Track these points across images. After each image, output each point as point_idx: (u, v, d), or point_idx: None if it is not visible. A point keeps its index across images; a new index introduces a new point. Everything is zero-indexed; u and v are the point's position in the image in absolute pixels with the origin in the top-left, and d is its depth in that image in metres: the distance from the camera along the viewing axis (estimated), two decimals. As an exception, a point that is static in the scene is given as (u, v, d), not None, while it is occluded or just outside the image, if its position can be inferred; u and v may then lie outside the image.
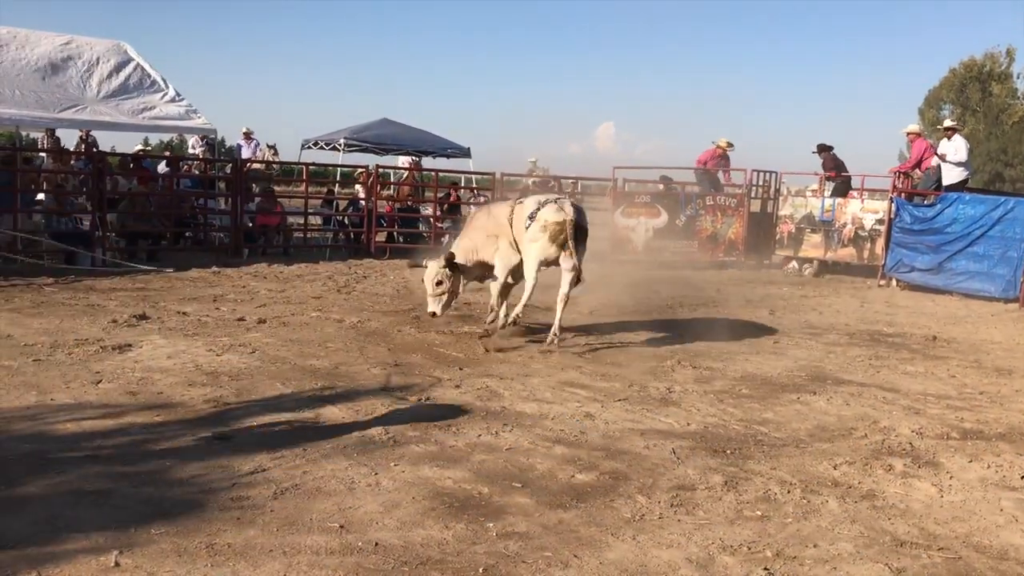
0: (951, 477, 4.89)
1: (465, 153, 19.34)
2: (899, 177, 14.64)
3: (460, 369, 6.87)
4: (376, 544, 3.63)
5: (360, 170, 17.50)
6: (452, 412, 5.65)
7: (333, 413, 5.48)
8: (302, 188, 16.65)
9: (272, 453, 4.67)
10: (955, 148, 14.16)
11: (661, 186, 17.57)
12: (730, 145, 16.73)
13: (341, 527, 3.78)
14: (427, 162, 19.19)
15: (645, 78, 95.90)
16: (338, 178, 19.41)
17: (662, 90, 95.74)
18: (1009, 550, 3.94)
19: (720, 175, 16.81)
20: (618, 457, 4.93)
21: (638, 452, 5.03)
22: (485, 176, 17.49)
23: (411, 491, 4.25)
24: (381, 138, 18.70)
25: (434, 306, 7.99)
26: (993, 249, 12.84)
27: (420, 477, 4.44)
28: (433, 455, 4.80)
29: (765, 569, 3.58)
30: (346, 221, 16.72)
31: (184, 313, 8.72)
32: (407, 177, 17.58)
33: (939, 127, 15.66)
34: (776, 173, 16.65)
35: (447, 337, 8.15)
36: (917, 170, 14.66)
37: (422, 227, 17.04)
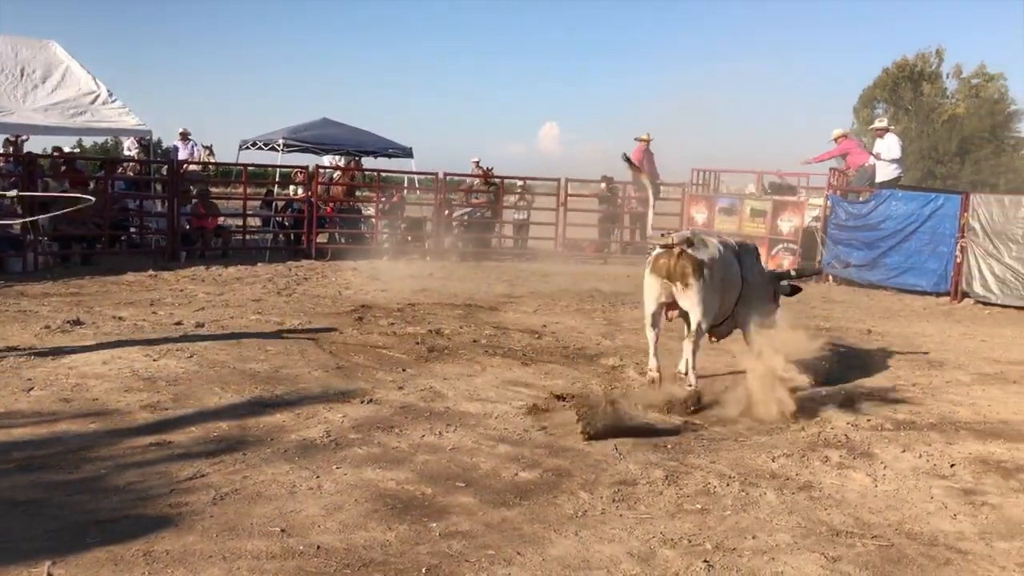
0: (885, 467, 5.01)
1: (407, 153, 19.24)
2: (835, 175, 14.95)
3: (403, 371, 6.85)
4: (318, 547, 3.60)
5: (297, 170, 17.30)
6: (396, 413, 5.63)
7: (274, 417, 5.42)
8: (240, 190, 16.42)
9: (211, 458, 4.60)
10: (888, 147, 14.56)
11: (603, 185, 17.72)
12: (649, 139, 16.98)
13: (282, 531, 3.75)
14: (368, 162, 19.06)
15: (589, 78, 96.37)
16: (277, 179, 19.17)
17: (605, 91, 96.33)
18: (939, 536, 4.06)
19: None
20: (561, 454, 4.96)
21: (581, 449, 5.07)
22: (428, 176, 17.44)
23: (353, 493, 4.22)
24: (321, 138, 18.51)
25: None
26: (924, 245, 13.19)
27: (362, 479, 4.42)
28: (376, 457, 4.78)
29: (705, 561, 3.64)
30: (286, 223, 16.53)
31: (120, 318, 8.54)
32: (343, 176, 17.37)
33: (871, 127, 16.05)
34: (715, 172, 16.90)
35: (390, 339, 8.11)
36: (851, 169, 14.98)
37: (364, 228, 16.91)
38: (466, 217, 17.22)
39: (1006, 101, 47.59)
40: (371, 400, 5.91)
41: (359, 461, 4.70)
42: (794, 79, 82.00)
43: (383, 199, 16.68)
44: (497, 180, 17.66)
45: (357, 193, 17.35)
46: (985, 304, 12.34)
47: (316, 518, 3.91)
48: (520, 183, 18.52)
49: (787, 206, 14.95)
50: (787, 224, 14.85)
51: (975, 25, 67.67)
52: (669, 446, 5.22)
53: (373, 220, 16.52)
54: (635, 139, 17.20)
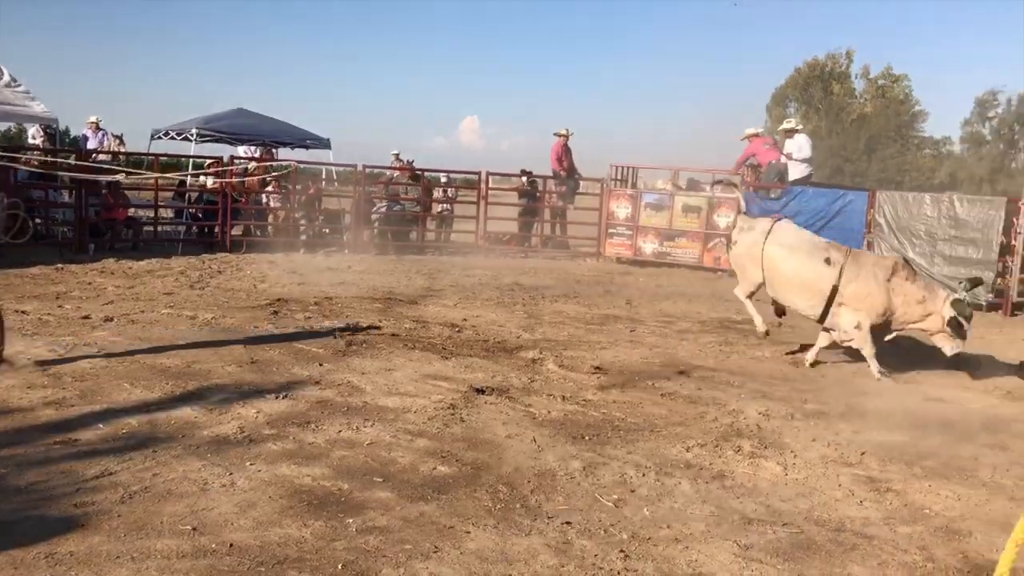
0: (795, 456, 5.15)
1: (325, 144, 18.98)
2: (748, 172, 15.28)
3: (320, 365, 6.75)
4: (231, 545, 3.53)
5: (208, 161, 16.88)
6: (312, 408, 5.55)
7: (185, 413, 5.29)
8: (152, 180, 15.94)
9: (119, 456, 4.46)
10: (799, 145, 14.99)
11: (523, 179, 17.79)
12: (569, 134, 17.12)
13: (194, 529, 3.66)
14: (285, 153, 18.73)
15: (508, 72, 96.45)
16: (191, 169, 18.68)
17: (525, 85, 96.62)
18: (846, 522, 4.19)
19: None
20: (480, 448, 4.96)
21: (500, 442, 5.08)
22: (347, 168, 17.23)
23: (268, 490, 4.14)
24: (236, 128, 18.12)
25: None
26: (834, 239, 13.53)
27: (277, 476, 4.34)
28: (291, 453, 4.70)
29: (621, 551, 3.68)
30: (200, 215, 16.12)
31: (23, 312, 8.21)
32: (255, 167, 16.99)
33: (780, 127, 16.45)
34: (634, 168, 17.10)
35: (307, 332, 7.99)
36: (762, 166, 15.32)
37: (280, 220, 16.59)
38: (384, 209, 17.07)
39: (910, 101, 49.40)
40: (286, 395, 5.81)
41: (274, 457, 4.62)
42: (711, 77, 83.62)
43: (299, 191, 16.41)
44: (419, 172, 17.56)
45: (270, 185, 16.98)
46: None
47: (229, 516, 3.82)
48: (443, 176, 18.45)
49: (723, 203, 15.22)
50: (724, 220, 15.12)
51: (883, 27, 70.06)
52: (587, 437, 5.26)
53: (290, 212, 16.23)
54: (555, 134, 17.30)
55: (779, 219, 8.43)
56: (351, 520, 3.84)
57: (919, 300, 7.37)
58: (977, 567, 3.75)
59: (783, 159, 14.99)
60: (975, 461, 5.19)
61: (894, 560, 3.79)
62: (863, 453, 5.24)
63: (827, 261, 7.68)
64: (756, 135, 15.55)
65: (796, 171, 14.82)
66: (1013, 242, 12.04)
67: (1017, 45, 69.92)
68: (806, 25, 75.95)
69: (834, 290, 7.57)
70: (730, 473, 4.80)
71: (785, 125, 15.93)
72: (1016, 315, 12.00)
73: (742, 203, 9.74)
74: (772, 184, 14.81)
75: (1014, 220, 12.10)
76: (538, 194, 17.79)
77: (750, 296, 8.48)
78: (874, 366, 7.47)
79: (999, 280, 12.22)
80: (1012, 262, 12.09)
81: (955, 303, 7.24)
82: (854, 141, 47.23)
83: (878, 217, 13.15)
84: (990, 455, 5.35)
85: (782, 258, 7.95)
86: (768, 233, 8.10)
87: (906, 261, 7.76)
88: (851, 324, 7.52)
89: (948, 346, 7.35)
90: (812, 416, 6.06)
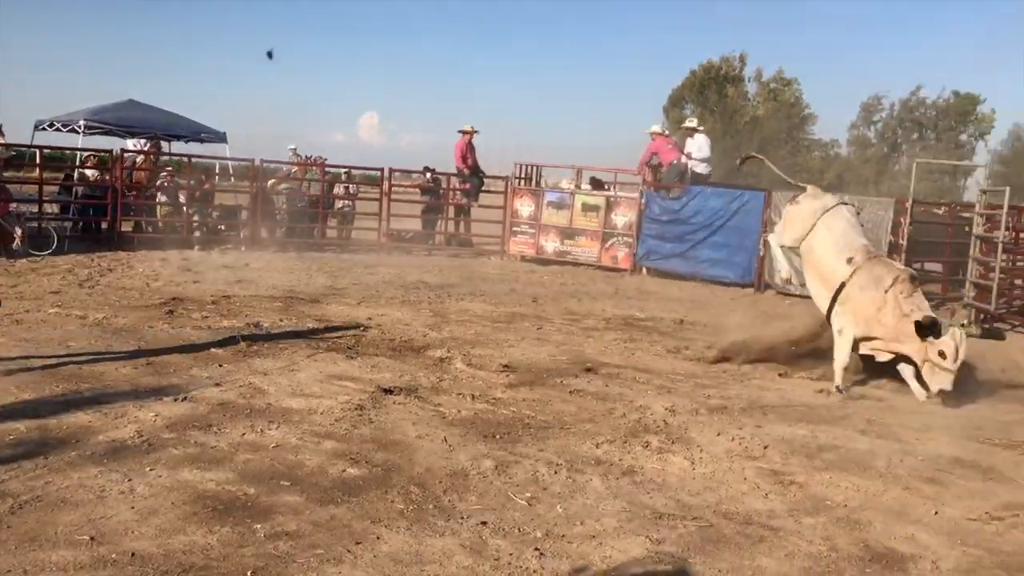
0: (701, 451, 5.24)
1: (221, 138, 18.43)
2: (649, 171, 15.52)
3: (221, 366, 6.54)
4: (132, 555, 3.37)
5: (87, 153, 16.17)
6: (213, 411, 5.36)
7: (79, 417, 5.04)
8: (36, 174, 15.20)
9: (8, 464, 4.22)
10: (698, 146, 15.32)
11: (428, 175, 17.68)
12: (473, 131, 17.11)
13: (92, 539, 3.48)
14: (179, 147, 18.12)
15: (407, 68, 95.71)
16: (78, 163, 17.90)
17: (426, 81, 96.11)
18: (753, 515, 4.28)
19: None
20: (390, 448, 4.89)
21: (410, 443, 5.01)
22: (243, 163, 16.79)
23: (170, 496, 3.98)
24: (126, 120, 17.40)
25: None
26: (732, 238, 13.96)
27: (179, 481, 4.18)
28: (193, 457, 4.53)
29: (536, 549, 3.67)
30: (91, 211, 15.43)
31: None
32: (143, 161, 16.37)
33: (682, 126, 16.78)
34: (538, 167, 17.18)
35: (205, 333, 7.74)
36: (664, 166, 15.59)
37: (172, 216, 16.03)
38: (284, 204, 16.70)
39: (801, 105, 51.19)
40: (186, 398, 5.60)
41: (175, 462, 4.44)
42: (611, 78, 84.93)
43: (193, 185, 15.90)
44: (318, 167, 17.25)
45: (162, 180, 16.38)
46: (786, 295, 13.18)
47: (129, 524, 3.65)
48: (343, 171, 18.16)
49: (621, 202, 15.41)
50: (622, 218, 15.30)
51: (774, 31, 72.47)
52: (498, 436, 5.24)
53: (183, 208, 15.72)
54: (459, 131, 17.22)
55: (844, 201, 8.28)
56: (259, 525, 3.72)
57: (905, 314, 6.89)
58: (878, 555, 3.88)
59: (683, 159, 15.29)
60: (871, 453, 5.38)
61: (800, 551, 3.89)
62: (766, 447, 5.37)
63: (849, 260, 7.47)
64: (660, 134, 15.81)
65: (696, 170, 15.16)
66: (900, 240, 12.56)
67: (899, 52, 73.28)
68: (702, 26, 77.84)
69: (841, 287, 7.40)
70: (640, 468, 4.86)
71: (687, 124, 16.24)
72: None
73: (811, 188, 8.78)
74: (673, 183, 15.09)
75: (900, 220, 12.64)
76: (441, 191, 17.70)
77: (780, 247, 8.61)
78: (837, 377, 7.18)
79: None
80: (899, 260, 12.62)
81: (948, 329, 6.74)
82: (748, 143, 48.56)
83: (774, 217, 13.53)
84: (884, 446, 5.55)
85: (820, 239, 7.84)
86: (827, 211, 7.96)
87: (913, 276, 7.29)
88: (836, 327, 7.38)
89: (933, 380, 6.72)
90: (716, 411, 6.19)
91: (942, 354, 6.62)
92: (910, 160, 34.37)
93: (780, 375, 7.64)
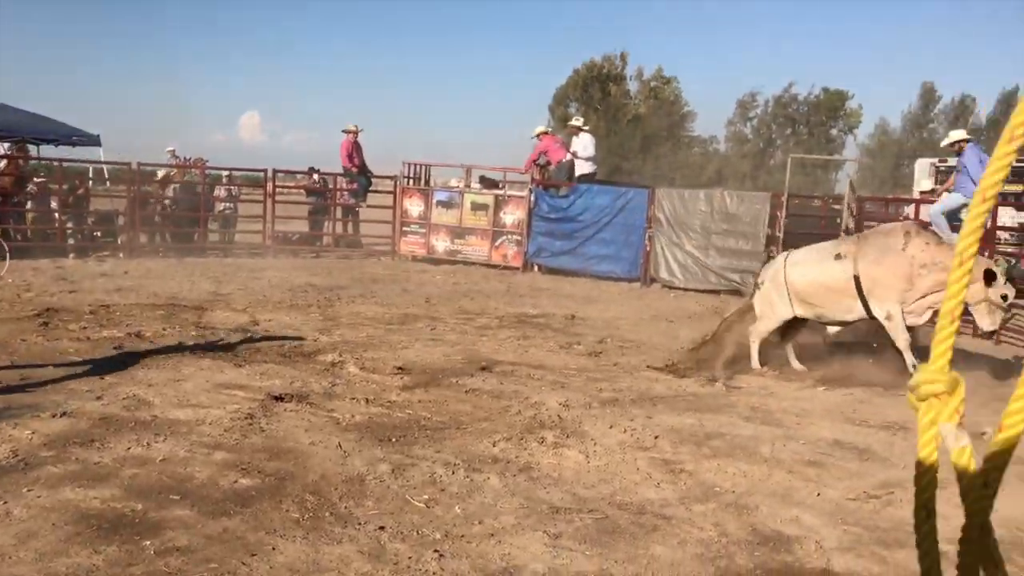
0: (595, 443, 5.33)
1: (94, 141, 17.70)
2: (537, 170, 15.68)
3: (101, 378, 6.28)
4: (10, 582, 3.21)
5: None
6: (95, 426, 5.14)
7: (-54, 439, 4.76)
8: None
9: None
10: (584, 145, 15.57)
11: (314, 176, 17.41)
12: (358, 130, 16.95)
13: (-36, 569, 3.30)
14: (48, 151, 17.30)
15: (287, 66, 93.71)
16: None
17: (308, 81, 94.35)
18: (646, 504, 4.38)
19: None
20: (283, 457, 4.79)
21: (304, 450, 4.92)
22: (119, 167, 16.15)
23: (50, 517, 3.80)
24: (-10, 123, 16.52)
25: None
26: (618, 235, 14.25)
27: (60, 501, 3.99)
28: (75, 475, 4.34)
29: (435, 551, 3.67)
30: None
31: None
32: (8, 166, 15.56)
33: (568, 124, 17.00)
34: (427, 166, 17.14)
35: (83, 344, 7.42)
36: (552, 165, 15.77)
37: (43, 222, 15.32)
38: (166, 206, 16.16)
39: (681, 102, 52.57)
40: (64, 413, 5.35)
41: (55, 481, 4.24)
42: (497, 77, 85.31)
43: (65, 191, 15.20)
44: (198, 169, 16.76)
45: (31, 188, 15.60)
46: (671, 288, 13.56)
47: (6, 548, 3.47)
48: (225, 173, 17.70)
49: (510, 200, 15.48)
50: (511, 217, 15.37)
51: (654, 31, 74.20)
52: (394, 439, 5.21)
53: (56, 214, 15.02)
54: (342, 131, 17.00)
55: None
56: (148, 542, 3.59)
57: (937, 263, 6.90)
58: (765, 538, 4.03)
59: (568, 156, 15.51)
60: (755, 439, 5.59)
61: (691, 537, 4.00)
62: (656, 437, 5.50)
63: (838, 256, 7.42)
64: (547, 133, 15.98)
65: (582, 169, 15.40)
66: (777, 233, 13.06)
67: (774, 49, 76.16)
68: (584, 26, 79.07)
69: (857, 281, 7.25)
70: (536, 465, 4.91)
71: (573, 123, 16.47)
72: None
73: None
74: (561, 182, 15.28)
75: (777, 213, 13.15)
76: (328, 192, 17.45)
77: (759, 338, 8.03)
78: (908, 362, 7.09)
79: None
80: (776, 252, 13.12)
81: (1007, 271, 6.85)
82: (630, 140, 49.69)
83: (658, 213, 13.89)
84: (767, 432, 5.77)
85: (800, 275, 7.65)
86: (784, 264, 7.84)
87: (920, 225, 7.24)
88: (883, 315, 7.19)
89: (987, 320, 6.99)
90: (608, 404, 6.31)
91: (1004, 296, 6.86)
92: (784, 155, 35.76)
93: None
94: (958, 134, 10.79)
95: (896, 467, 5.09)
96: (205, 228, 16.59)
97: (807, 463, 5.15)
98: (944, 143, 11.16)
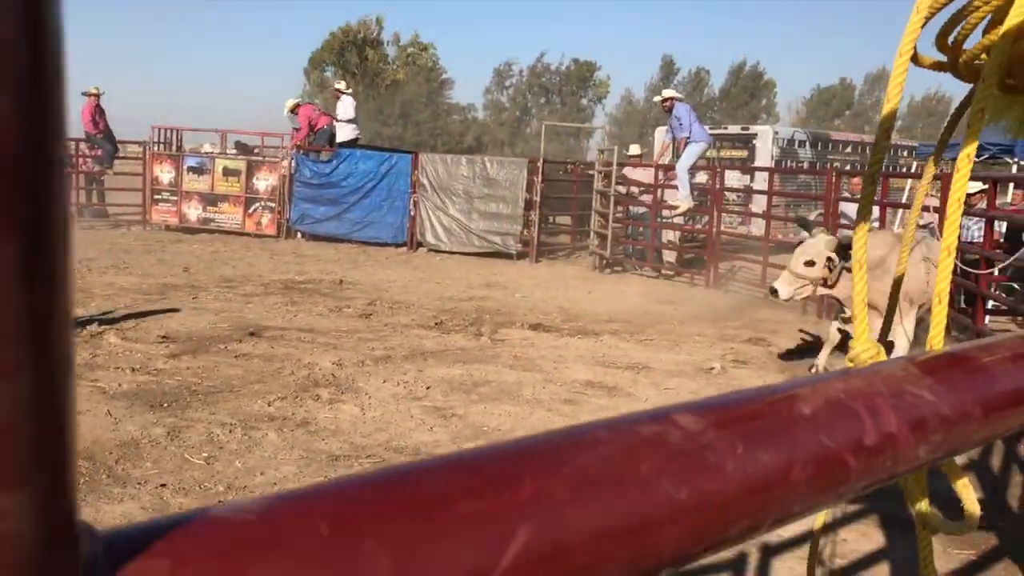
0: (370, 397, 5.57)
1: None
2: (305, 141, 15.39)
3: None
4: None
5: None
6: None
7: None
8: None
9: None
10: (344, 108, 15.51)
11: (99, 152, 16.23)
12: (100, 92, 16.00)
13: None
14: None
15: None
16: None
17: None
18: (420, 446, 4.69)
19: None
20: (48, 427, 4.66)
21: (70, 419, 4.80)
22: None
23: None
24: None
25: (785, 286, 6.18)
26: (383, 200, 14.40)
27: None
28: None
29: (219, 502, 3.76)
30: None
31: None
32: None
33: (332, 87, 16.84)
34: (177, 131, 16.44)
35: None
36: (315, 131, 15.62)
37: None
38: None
39: (438, 70, 53.11)
40: None
41: None
42: (247, 38, 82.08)
43: None
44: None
45: None
46: (436, 251, 13.94)
47: None
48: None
49: (263, 165, 15.15)
50: (263, 183, 15.05)
51: None
52: (166, 405, 5.18)
53: None
54: (82, 93, 15.92)
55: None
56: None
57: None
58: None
59: (333, 123, 15.43)
60: (519, 384, 6.04)
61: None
62: (428, 387, 5.83)
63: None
64: (299, 105, 15.66)
65: (344, 133, 15.34)
66: (535, 197, 13.76)
67: (528, 22, 78.44)
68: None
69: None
70: (313, 420, 5.07)
71: (336, 87, 16.32)
72: (540, 261, 13.78)
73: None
74: (323, 147, 15.19)
75: (534, 178, 13.83)
76: (69, 158, 16.30)
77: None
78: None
79: (524, 231, 13.91)
80: (534, 215, 13.83)
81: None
82: (390, 106, 49.63)
83: (422, 178, 14.18)
84: (529, 377, 6.25)
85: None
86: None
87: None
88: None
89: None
90: (381, 361, 6.55)
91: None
92: (539, 123, 37.21)
93: None
94: (668, 92, 11.98)
95: (640, 400, 5.72)
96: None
97: (564, 401, 5.67)
98: (656, 99, 12.36)
